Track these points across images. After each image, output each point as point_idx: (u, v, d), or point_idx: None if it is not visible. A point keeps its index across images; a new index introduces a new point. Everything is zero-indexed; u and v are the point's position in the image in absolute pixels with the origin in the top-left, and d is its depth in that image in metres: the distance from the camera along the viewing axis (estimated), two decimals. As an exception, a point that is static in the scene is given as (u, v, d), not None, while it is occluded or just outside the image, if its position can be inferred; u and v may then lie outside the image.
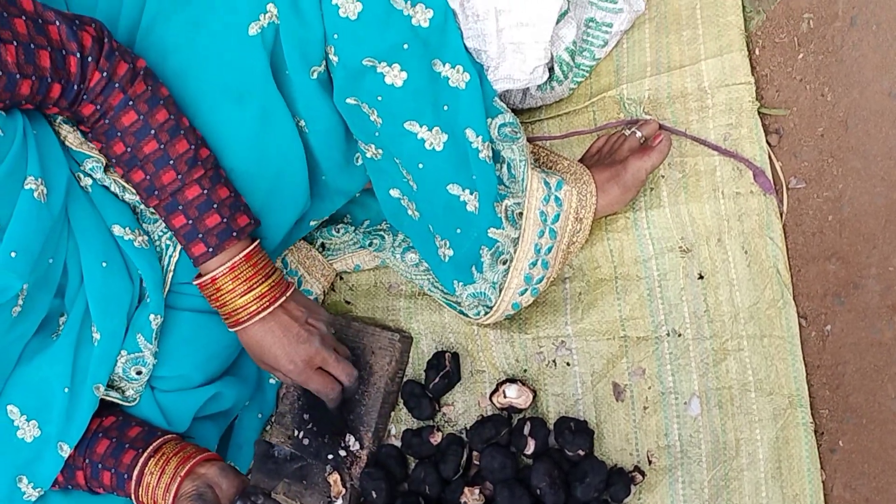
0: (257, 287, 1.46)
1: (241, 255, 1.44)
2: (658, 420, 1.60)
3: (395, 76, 1.43)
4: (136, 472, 1.46)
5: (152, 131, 1.38)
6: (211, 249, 1.43)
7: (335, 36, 1.41)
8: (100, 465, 1.48)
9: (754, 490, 1.53)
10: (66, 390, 1.44)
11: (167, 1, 1.42)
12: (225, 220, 1.43)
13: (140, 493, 1.47)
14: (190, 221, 1.42)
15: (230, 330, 1.51)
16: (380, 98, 1.45)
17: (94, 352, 1.46)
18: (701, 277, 1.61)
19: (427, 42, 1.43)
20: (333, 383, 1.60)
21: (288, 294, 1.52)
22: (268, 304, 1.48)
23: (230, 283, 1.45)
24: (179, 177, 1.40)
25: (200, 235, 1.43)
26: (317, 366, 1.56)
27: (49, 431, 1.45)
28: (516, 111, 1.72)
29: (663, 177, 1.64)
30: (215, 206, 1.42)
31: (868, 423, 1.53)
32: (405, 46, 1.41)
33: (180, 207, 1.42)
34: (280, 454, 1.63)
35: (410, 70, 1.42)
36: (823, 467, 1.53)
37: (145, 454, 1.47)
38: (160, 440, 1.51)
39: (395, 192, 1.61)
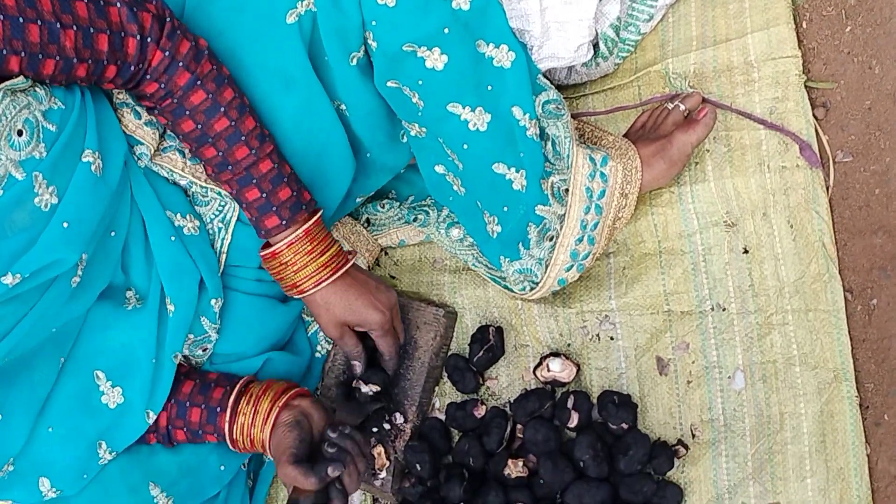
0: (320, 258, 1.49)
1: (302, 229, 1.47)
2: (702, 394, 1.61)
3: (435, 60, 1.42)
4: (229, 408, 1.51)
5: (222, 109, 1.39)
6: (284, 222, 1.46)
7: (373, 23, 1.41)
8: (187, 404, 1.53)
9: (798, 464, 1.54)
10: (154, 361, 1.48)
11: None
12: (295, 193, 1.47)
13: (235, 430, 1.52)
14: (264, 195, 1.45)
15: (297, 297, 1.53)
16: (420, 82, 1.45)
17: (170, 322, 1.49)
18: (746, 252, 1.60)
19: (468, 24, 1.42)
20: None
21: (352, 260, 1.55)
22: (334, 270, 1.50)
23: (291, 255, 1.48)
24: (253, 151, 1.43)
25: (274, 208, 1.46)
26: (396, 316, 1.60)
27: (131, 398, 1.49)
28: (560, 87, 1.72)
29: (708, 151, 1.63)
30: (285, 179, 1.46)
31: (913, 397, 1.53)
32: (445, 31, 1.40)
33: (254, 181, 1.44)
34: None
35: (451, 53, 1.42)
36: (868, 441, 1.54)
37: (235, 391, 1.53)
38: (244, 378, 1.56)
39: (440, 168, 1.61)
